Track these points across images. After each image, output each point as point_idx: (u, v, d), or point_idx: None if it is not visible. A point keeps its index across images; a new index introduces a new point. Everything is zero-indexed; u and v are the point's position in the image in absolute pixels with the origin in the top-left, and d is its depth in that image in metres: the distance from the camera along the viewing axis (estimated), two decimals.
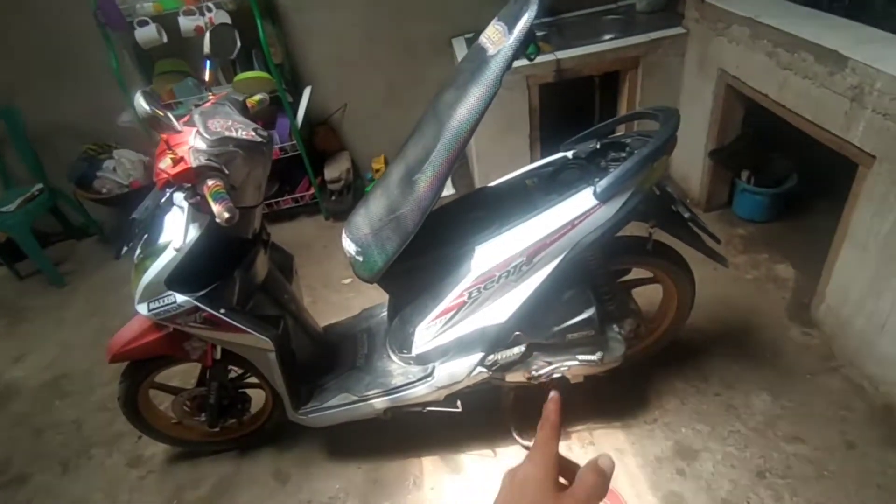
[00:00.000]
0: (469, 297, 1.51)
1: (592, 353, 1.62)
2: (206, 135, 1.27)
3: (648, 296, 2.07)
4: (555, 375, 1.68)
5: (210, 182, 1.17)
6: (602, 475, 0.43)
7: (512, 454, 1.85)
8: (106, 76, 2.82)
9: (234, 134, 1.33)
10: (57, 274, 3.23)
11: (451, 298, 1.52)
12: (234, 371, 1.83)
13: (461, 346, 1.60)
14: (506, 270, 1.47)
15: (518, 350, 1.59)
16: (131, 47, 2.95)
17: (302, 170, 3.27)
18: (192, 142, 1.26)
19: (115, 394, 1.76)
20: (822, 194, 2.67)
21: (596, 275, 1.62)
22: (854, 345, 1.88)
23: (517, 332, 1.59)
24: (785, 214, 2.69)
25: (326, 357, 1.85)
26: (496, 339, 1.58)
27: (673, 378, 2.01)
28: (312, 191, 3.33)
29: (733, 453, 1.74)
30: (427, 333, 1.59)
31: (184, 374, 2.08)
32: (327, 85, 3.38)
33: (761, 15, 2.05)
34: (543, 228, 1.45)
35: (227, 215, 1.13)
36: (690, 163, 2.87)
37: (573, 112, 3.18)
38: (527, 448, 1.83)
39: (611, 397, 1.94)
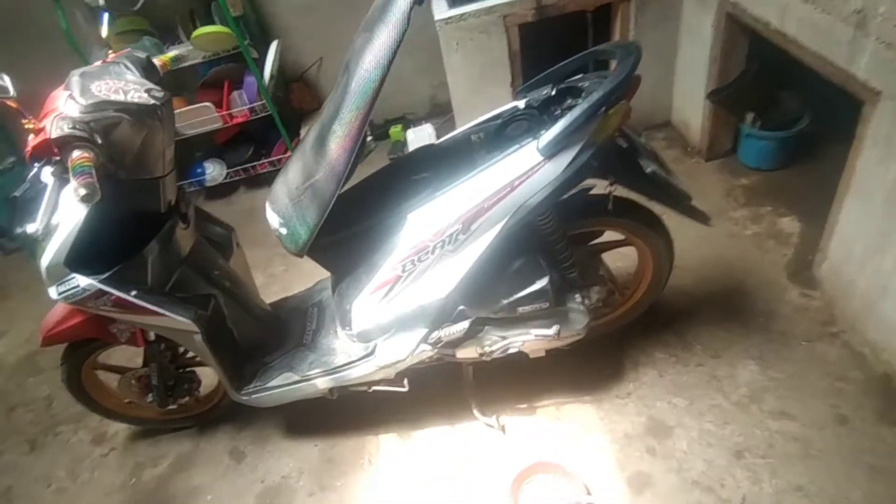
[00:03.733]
0: (403, 271, 1.36)
1: (548, 326, 1.47)
2: (80, 100, 1.12)
3: (633, 258, 1.87)
4: (510, 350, 1.54)
5: (75, 154, 1.03)
6: None
7: (472, 430, 1.74)
8: (60, 41, 2.66)
9: (118, 97, 1.18)
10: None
11: (384, 272, 1.38)
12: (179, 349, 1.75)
13: (402, 323, 1.46)
14: (440, 240, 1.31)
15: (462, 326, 1.44)
16: (84, 7, 2.77)
17: (277, 131, 3.11)
18: (61, 108, 1.11)
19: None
20: (838, 137, 2.36)
21: (550, 241, 1.44)
22: (856, 307, 1.68)
23: (461, 307, 1.44)
24: (795, 161, 2.42)
25: (275, 334, 1.74)
26: (438, 315, 1.44)
27: (652, 347, 1.84)
28: (290, 153, 3.17)
29: (711, 430, 1.59)
30: (365, 310, 1.46)
31: (134, 353, 2.01)
32: (299, 38, 3.16)
33: None
34: (480, 191, 1.27)
35: (83, 192, 0.99)
36: (690, 107, 2.60)
37: (564, 55, 2.89)
38: (489, 426, 1.72)
39: (583, 370, 1.80)
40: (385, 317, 1.45)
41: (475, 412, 1.73)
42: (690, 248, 2.14)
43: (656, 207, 1.57)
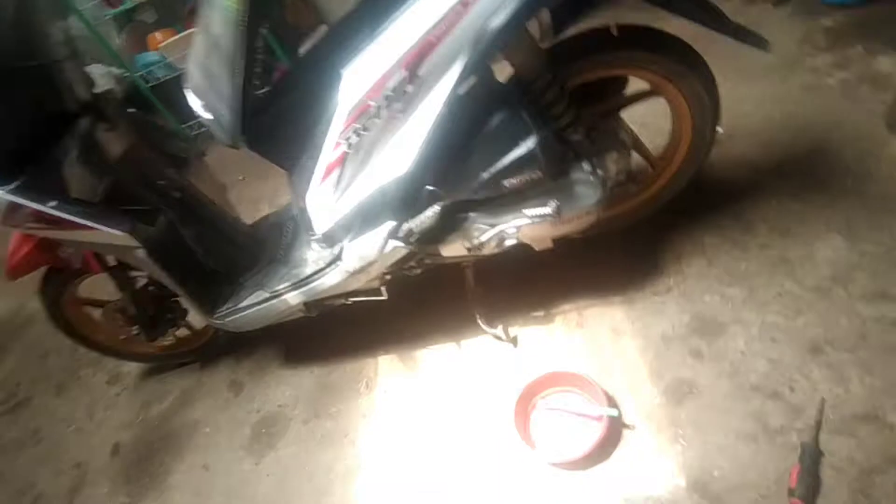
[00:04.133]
0: (349, 146, 1.09)
1: (545, 203, 1.15)
2: None
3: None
4: (507, 242, 1.24)
5: None
6: None
7: (479, 345, 1.48)
8: None
9: None
10: None
11: (328, 151, 1.11)
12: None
13: (365, 217, 1.21)
14: (383, 96, 1.02)
15: (432, 212, 1.16)
16: None
17: (275, 54, 2.86)
18: None
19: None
20: None
21: (536, 88, 1.10)
22: None
23: (430, 187, 1.15)
24: None
25: (252, 253, 1.56)
26: (403, 200, 1.16)
27: (701, 231, 1.47)
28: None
29: (777, 323, 1.23)
30: (320, 204, 1.21)
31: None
32: None
33: None
34: (423, 20, 0.96)
35: None
36: None
37: None
38: (497, 338, 1.45)
39: (611, 267, 1.48)
40: (343, 210, 1.20)
41: (480, 323, 1.47)
42: (751, 111, 1.71)
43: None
